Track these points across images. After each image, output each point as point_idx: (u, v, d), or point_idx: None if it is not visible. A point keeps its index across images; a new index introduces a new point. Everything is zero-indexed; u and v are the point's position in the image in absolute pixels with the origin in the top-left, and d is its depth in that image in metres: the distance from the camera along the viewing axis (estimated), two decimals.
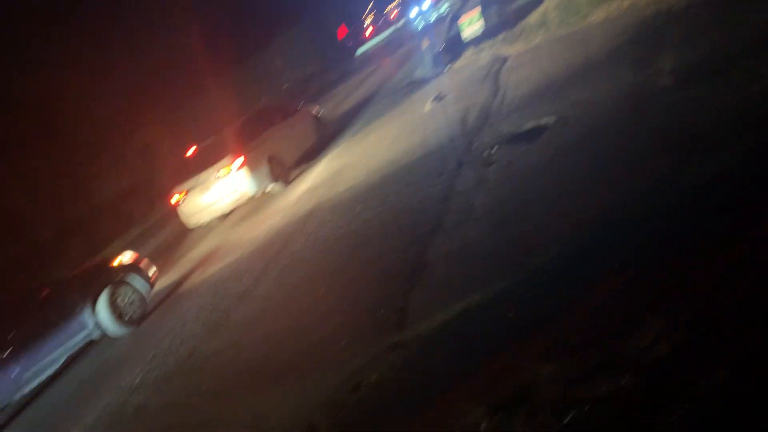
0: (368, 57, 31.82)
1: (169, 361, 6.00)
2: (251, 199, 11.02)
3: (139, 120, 24.10)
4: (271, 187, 11.02)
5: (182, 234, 13.38)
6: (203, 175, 10.82)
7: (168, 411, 5.04)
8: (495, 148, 6.45)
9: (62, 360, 7.78)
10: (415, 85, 13.83)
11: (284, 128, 12.25)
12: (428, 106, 10.64)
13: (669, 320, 2.54)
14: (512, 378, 2.82)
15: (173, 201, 11.32)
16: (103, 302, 7.89)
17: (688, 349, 2.36)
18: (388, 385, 3.64)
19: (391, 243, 5.57)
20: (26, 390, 7.48)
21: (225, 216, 11.81)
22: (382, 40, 36.62)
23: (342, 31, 39.31)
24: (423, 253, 4.99)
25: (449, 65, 13.53)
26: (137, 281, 8.42)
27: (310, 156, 12.55)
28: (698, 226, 3.29)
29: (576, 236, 3.96)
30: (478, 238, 4.72)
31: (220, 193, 10.74)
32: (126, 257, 8.80)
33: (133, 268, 8.58)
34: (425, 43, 14.77)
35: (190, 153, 11.82)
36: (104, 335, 8.05)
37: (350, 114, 15.41)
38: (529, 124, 6.61)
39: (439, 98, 10.76)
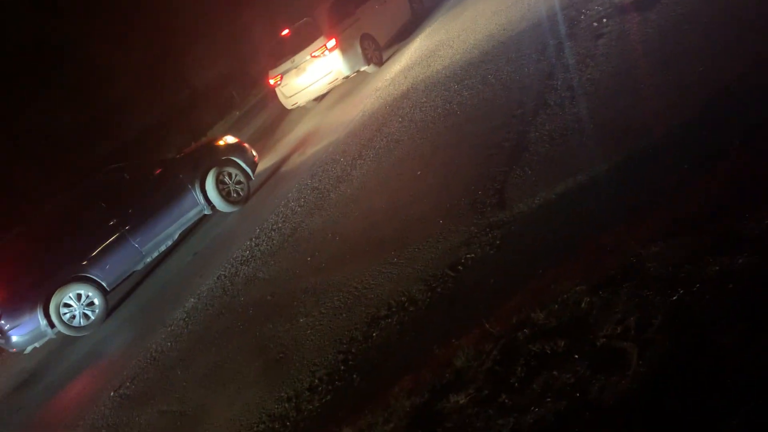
0: None
1: (275, 237, 6.35)
2: (346, 79, 11.00)
3: (235, 5, 24.08)
4: (365, 67, 10.91)
5: (280, 116, 13.66)
6: (297, 58, 10.90)
7: (275, 280, 5.40)
8: (605, 20, 5.96)
9: (178, 234, 8.44)
10: None
11: (376, 5, 11.87)
12: None
13: None
14: (617, 257, 2.77)
15: (271, 83, 11.58)
16: (210, 181, 8.35)
17: None
18: (485, 263, 3.68)
19: (491, 122, 5.43)
20: (148, 260, 8.25)
21: (321, 97, 11.92)
22: None
23: None
24: (524, 132, 4.84)
25: None
26: (241, 161, 8.79)
27: (405, 34, 12.16)
28: None
29: (691, 113, 3.68)
30: (584, 117, 4.50)
31: (314, 75, 10.84)
32: (230, 139, 9.16)
33: (237, 148, 8.94)
34: None
35: (284, 34, 11.77)
36: (215, 211, 8.58)
37: None
38: None
39: None
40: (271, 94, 12.33)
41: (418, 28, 12.03)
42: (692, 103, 3.77)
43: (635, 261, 2.66)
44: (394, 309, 3.84)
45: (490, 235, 3.91)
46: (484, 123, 5.54)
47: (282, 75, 11.22)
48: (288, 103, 11.65)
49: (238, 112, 22.14)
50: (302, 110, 12.35)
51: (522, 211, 3.94)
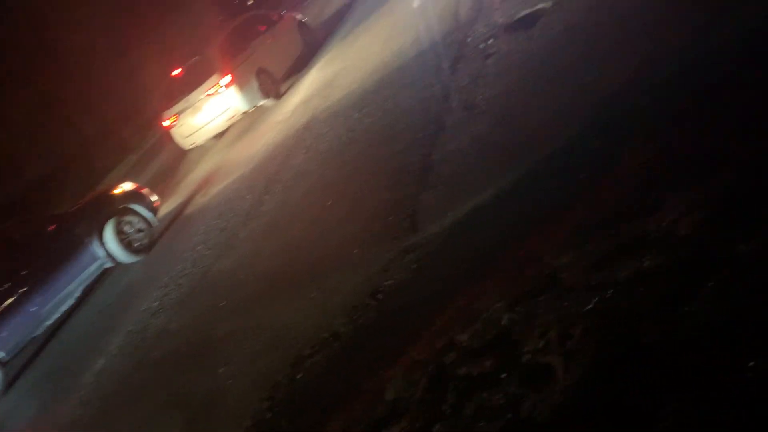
0: None
1: (184, 284, 6.08)
2: (245, 115, 10.82)
3: (122, 46, 23.27)
4: (263, 102, 10.76)
5: (179, 157, 13.24)
6: (193, 96, 10.59)
7: (189, 330, 5.15)
8: (491, 40, 6.20)
9: (79, 291, 7.88)
10: None
11: (270, 39, 11.75)
12: (417, 2, 10.17)
13: (689, 196, 2.48)
14: (531, 270, 2.82)
15: (165, 125, 11.17)
16: (109, 232, 7.88)
17: (709, 225, 2.32)
18: (405, 288, 3.67)
19: (395, 147, 5.48)
20: (48, 323, 7.64)
21: (221, 135, 11.66)
22: None
23: None
24: (428, 154, 4.91)
25: None
26: (141, 208, 8.39)
27: (300, 65, 12.14)
28: (712, 99, 3.18)
29: (584, 120, 3.86)
30: (484, 133, 4.62)
31: (211, 112, 10.56)
32: (127, 186, 8.74)
33: (135, 195, 8.52)
34: None
35: (176, 73, 11.44)
36: (117, 264, 8.12)
37: (336, 18, 14.75)
38: (525, 11, 6.31)
39: None
40: (166, 136, 11.89)
41: (312, 59, 12.04)
42: (582, 114, 3.96)
43: (548, 272, 2.71)
44: (317, 347, 3.73)
45: (406, 260, 3.90)
46: (389, 148, 5.58)
47: (177, 115, 10.84)
48: (185, 144, 11.27)
49: (134, 156, 21.28)
50: (202, 149, 12.01)
51: (435, 233, 3.97)
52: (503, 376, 2.39)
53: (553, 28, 5.44)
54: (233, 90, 10.32)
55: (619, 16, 4.81)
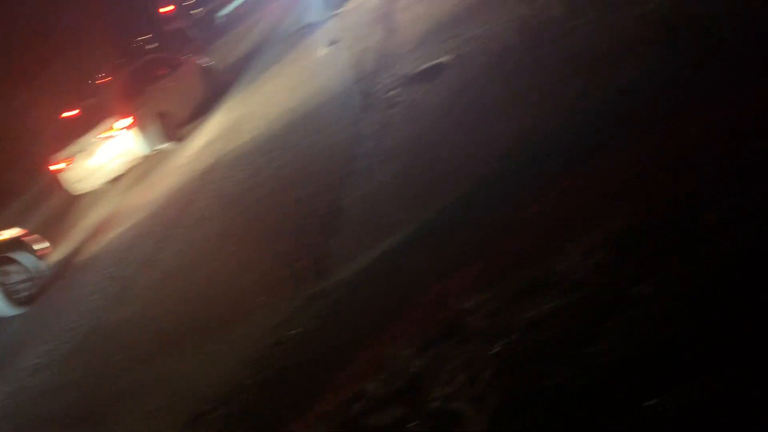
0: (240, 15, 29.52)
1: (76, 337, 5.64)
2: (144, 158, 10.42)
3: (9, 86, 21.98)
4: (163, 145, 10.40)
5: (70, 203, 12.51)
6: (87, 138, 10.06)
7: (80, 388, 4.75)
8: (396, 90, 6.38)
9: None
10: (306, 30, 13.35)
11: (172, 82, 11.45)
12: (323, 51, 10.33)
13: (586, 241, 2.61)
14: (439, 314, 2.84)
15: (53, 168, 10.50)
16: None
17: (605, 268, 2.44)
18: (312, 336, 3.58)
19: (301, 193, 5.44)
20: None
21: (116, 179, 11.12)
22: None
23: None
24: (335, 199, 4.91)
25: (339, 8, 13.15)
26: (24, 257, 7.76)
27: (204, 109, 11.92)
28: (601, 151, 3.40)
29: (489, 166, 4.01)
30: (390, 180, 4.69)
31: (108, 155, 10.07)
32: (8, 233, 8.08)
33: (17, 243, 7.88)
34: None
35: (69, 115, 10.91)
36: None
37: (241, 63, 14.68)
38: (428, 64, 6.57)
39: (333, 42, 10.46)
40: (55, 181, 11.22)
41: (216, 103, 11.88)
42: (484, 161, 4.12)
43: (455, 317, 2.74)
44: (217, 403, 3.53)
45: (313, 307, 3.82)
46: (295, 193, 5.53)
47: (69, 158, 10.20)
48: (76, 189, 10.64)
49: (19, 202, 19.90)
50: (96, 195, 11.43)
51: (342, 279, 3.93)
52: (412, 424, 2.36)
53: (454, 81, 5.69)
54: (132, 133, 9.93)
55: (510, 74, 5.12)
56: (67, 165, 10.28)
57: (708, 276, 2.12)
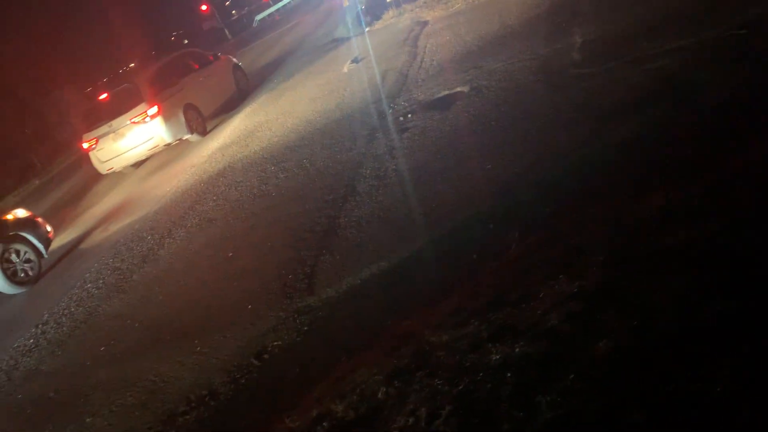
0: (275, 21, 29.94)
1: (65, 323, 5.72)
2: (167, 147, 10.76)
3: (44, 66, 22.46)
4: (187, 136, 10.78)
5: (86, 187, 12.75)
6: (116, 122, 10.55)
7: (62, 374, 4.82)
8: (410, 115, 6.46)
9: None
10: (334, 44, 13.59)
11: (200, 77, 11.93)
12: (347, 68, 10.49)
13: (562, 289, 2.64)
14: (412, 346, 2.87)
15: (85, 147, 10.99)
16: None
17: (578, 318, 2.47)
18: (291, 351, 3.63)
19: (303, 206, 5.51)
20: None
21: (139, 164, 11.54)
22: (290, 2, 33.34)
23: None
24: (335, 217, 4.97)
25: (369, 26, 13.35)
26: (32, 237, 7.90)
27: (230, 107, 12.21)
28: (598, 194, 3.44)
29: (484, 203, 4.06)
30: (390, 205, 4.75)
31: (134, 140, 10.52)
32: (20, 212, 8.24)
33: (27, 223, 8.03)
34: (346, 2, 14.48)
35: (102, 98, 11.36)
36: None
37: (269, 69, 15.00)
38: (444, 92, 6.66)
39: (357, 60, 10.62)
40: (82, 160, 11.69)
41: (242, 103, 12.15)
42: (480, 198, 4.17)
43: (427, 349, 2.77)
44: (193, 404, 3.59)
45: (297, 321, 3.88)
46: (298, 206, 5.61)
47: (98, 139, 10.71)
48: (102, 168, 11.08)
49: (38, 181, 20.22)
50: (110, 182, 11.65)
51: (330, 297, 3.98)
52: None
53: (467, 112, 5.75)
54: (159, 121, 10.35)
55: (522, 112, 5.18)
56: (96, 144, 10.75)
57: (666, 336, 2.14)
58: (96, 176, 12.14)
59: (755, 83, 3.76)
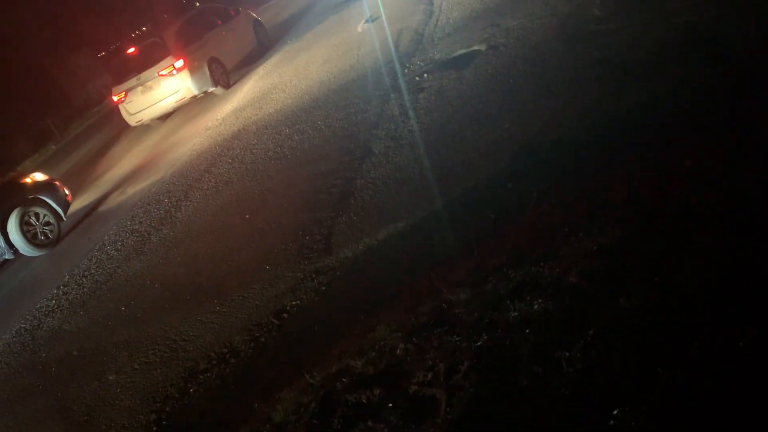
0: None
1: (86, 284, 5.81)
2: (193, 99, 11.07)
3: (58, 30, 22.41)
4: (212, 89, 11.12)
5: (102, 151, 12.84)
6: (144, 75, 10.93)
7: (84, 333, 4.91)
8: (426, 75, 6.36)
9: None
10: (348, 3, 13.36)
11: (223, 32, 12.26)
12: (361, 27, 10.33)
13: (582, 246, 2.62)
14: (430, 303, 2.87)
15: (115, 99, 11.47)
16: (13, 223, 7.46)
17: (597, 276, 2.45)
18: (309, 310, 3.66)
19: (320, 168, 5.49)
20: None
21: (165, 117, 11.93)
22: None
23: None
24: (351, 179, 4.95)
25: None
26: (51, 201, 7.98)
27: (251, 60, 12.52)
28: (620, 153, 3.38)
29: (502, 163, 4.02)
30: (406, 165, 4.71)
31: (161, 93, 10.91)
32: (39, 176, 8.31)
33: (46, 186, 8.10)
34: None
35: (130, 52, 11.61)
36: (18, 256, 7.68)
37: (285, 27, 15.00)
38: (461, 51, 6.53)
39: (371, 19, 10.44)
40: (99, 123, 12.06)
41: (262, 57, 12.42)
42: (499, 157, 4.12)
43: (446, 307, 2.78)
44: (214, 362, 3.65)
45: (315, 282, 3.89)
46: (314, 168, 5.59)
47: (127, 92, 11.14)
48: (132, 120, 11.53)
49: (54, 146, 20.35)
50: (126, 145, 11.75)
51: (347, 257, 3.99)
52: (389, 405, 2.42)
53: (484, 71, 5.65)
54: (185, 73, 10.71)
55: (541, 70, 5.07)
56: (126, 97, 11.17)
57: (688, 295, 2.11)
58: (112, 140, 12.31)
59: None
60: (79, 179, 11.40)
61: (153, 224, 6.39)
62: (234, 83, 11.61)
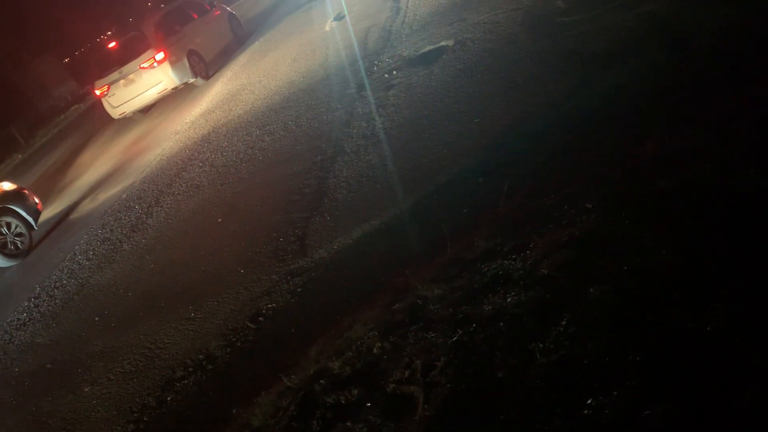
0: None
1: (58, 295, 5.71)
2: (174, 90, 11.23)
3: (17, 36, 21.90)
4: (192, 80, 11.35)
5: (70, 160, 12.61)
6: (126, 68, 11.12)
7: (57, 346, 4.83)
8: (395, 72, 6.36)
9: None
10: (316, 2, 13.31)
11: (200, 26, 12.57)
12: (329, 26, 10.29)
13: (552, 239, 2.65)
14: (406, 301, 2.88)
15: (98, 93, 11.64)
16: None
17: (568, 267, 2.48)
18: (285, 312, 3.64)
19: (292, 168, 5.46)
20: None
21: (147, 110, 12.11)
22: None
23: None
24: (324, 178, 4.93)
25: None
26: (21, 210, 7.80)
27: (229, 53, 12.85)
28: (589, 143, 3.42)
29: (473, 157, 4.03)
30: (379, 163, 4.71)
31: (143, 85, 11.10)
32: (7, 185, 8.12)
33: (16, 196, 7.90)
34: None
35: (110, 46, 11.80)
36: None
37: (251, 25, 15.05)
38: (429, 47, 6.55)
39: (340, 17, 10.41)
40: (67, 129, 12.14)
41: (238, 50, 12.75)
42: (470, 152, 4.14)
43: (421, 303, 2.79)
44: (191, 369, 3.62)
45: (291, 283, 3.88)
46: (286, 169, 5.56)
47: (109, 85, 11.30)
48: (115, 113, 11.69)
49: (20, 155, 19.93)
50: (96, 152, 11.58)
51: (322, 257, 3.98)
52: (368, 405, 2.42)
53: (452, 66, 5.67)
54: (166, 65, 10.93)
55: (509, 63, 5.10)
56: (108, 91, 11.34)
57: (656, 282, 2.15)
58: (81, 146, 12.26)
59: (747, 26, 3.71)
60: (48, 187, 11.20)
61: (124, 232, 6.30)
62: (213, 74, 11.92)
